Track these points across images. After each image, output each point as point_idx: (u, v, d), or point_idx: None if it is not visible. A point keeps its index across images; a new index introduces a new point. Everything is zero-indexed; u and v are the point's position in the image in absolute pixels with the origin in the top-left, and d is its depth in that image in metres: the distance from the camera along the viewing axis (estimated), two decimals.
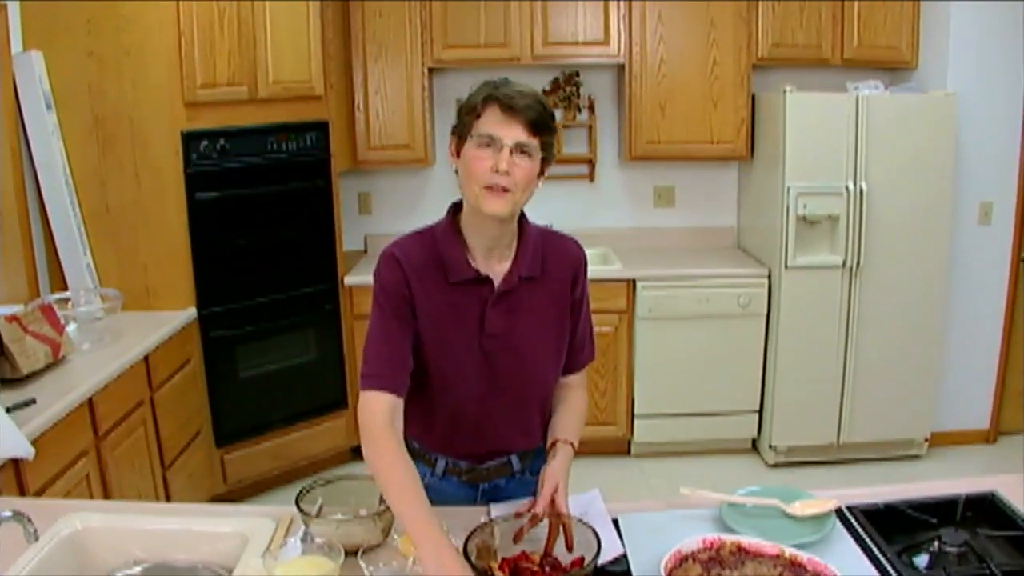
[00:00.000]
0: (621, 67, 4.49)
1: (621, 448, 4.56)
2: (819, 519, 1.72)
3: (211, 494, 3.85)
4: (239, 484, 3.98)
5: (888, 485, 3.93)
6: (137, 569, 1.72)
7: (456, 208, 1.78)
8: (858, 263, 4.07)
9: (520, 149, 1.62)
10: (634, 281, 4.28)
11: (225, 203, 3.70)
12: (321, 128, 4.03)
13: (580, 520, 1.64)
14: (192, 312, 3.67)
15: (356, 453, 4.48)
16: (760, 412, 4.43)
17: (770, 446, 4.33)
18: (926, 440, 4.37)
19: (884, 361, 4.19)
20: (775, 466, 4.36)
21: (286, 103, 3.86)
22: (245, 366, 3.91)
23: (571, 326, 1.86)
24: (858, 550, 1.65)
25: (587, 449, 4.67)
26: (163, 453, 3.35)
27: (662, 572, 1.48)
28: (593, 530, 1.59)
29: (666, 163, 4.72)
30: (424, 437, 1.89)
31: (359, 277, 4.25)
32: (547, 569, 1.57)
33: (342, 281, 4.22)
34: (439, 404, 1.82)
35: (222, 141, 3.64)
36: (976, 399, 4.51)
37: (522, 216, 1.82)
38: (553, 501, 1.65)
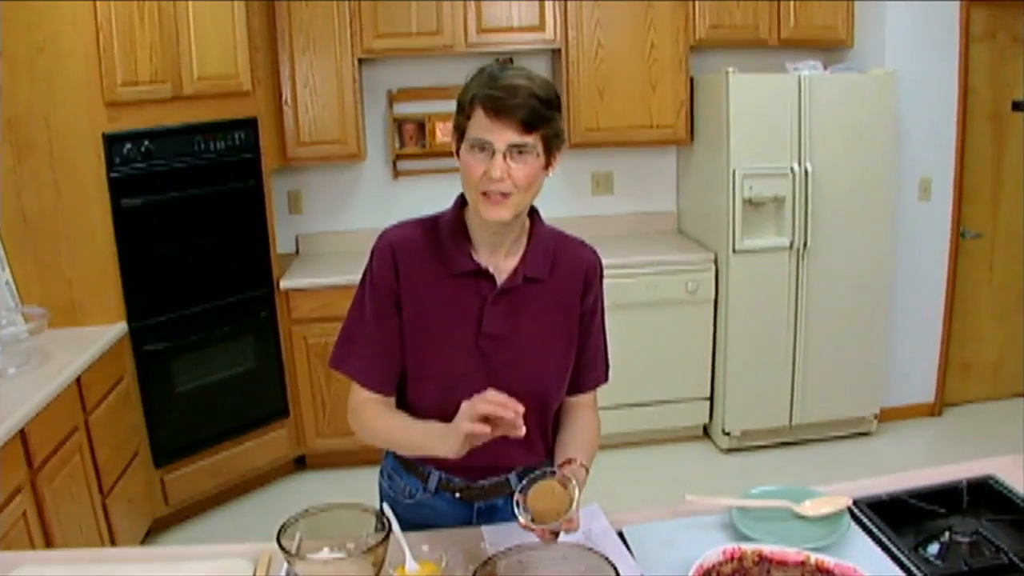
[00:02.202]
0: (557, 52, 4.40)
1: None
2: (832, 518, 1.65)
3: (153, 518, 3.64)
4: (182, 504, 3.77)
5: (843, 465, 4.03)
6: None
7: (463, 199, 1.66)
8: (805, 244, 4.06)
9: (516, 150, 1.50)
10: None
11: (153, 209, 3.48)
12: (250, 125, 3.83)
13: (590, 548, 1.48)
14: (123, 326, 3.44)
15: (300, 464, 4.31)
16: (711, 398, 4.41)
17: (723, 431, 4.31)
18: (876, 416, 4.41)
19: (833, 340, 4.20)
20: (729, 451, 4.34)
21: (213, 100, 3.65)
22: (181, 380, 3.70)
23: (580, 339, 1.74)
24: (875, 548, 1.59)
25: None
26: (101, 480, 3.14)
27: None
28: (607, 559, 1.45)
29: (604, 149, 4.65)
30: None
31: (294, 280, 4.07)
32: None
33: (277, 285, 4.03)
34: (431, 407, 1.67)
35: (147, 143, 3.41)
36: (921, 373, 4.58)
37: (534, 212, 1.71)
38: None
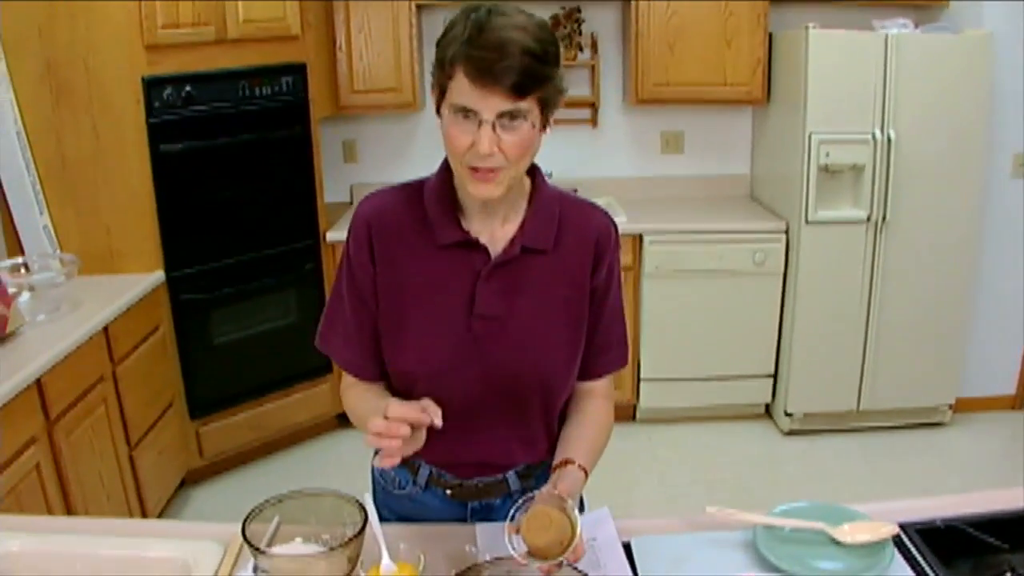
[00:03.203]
0: (627, 1, 4.12)
1: (626, 414, 4.30)
2: (872, 547, 1.43)
3: (187, 470, 3.59)
4: (217, 457, 3.72)
5: (911, 457, 3.76)
6: None
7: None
8: (883, 217, 3.75)
9: (507, 117, 1.27)
10: (640, 236, 3.97)
11: (192, 155, 3.37)
12: (298, 71, 3.67)
13: (571, 566, 1.31)
14: (160, 275, 3.37)
15: (343, 420, 4.21)
16: (775, 376, 4.16)
17: (785, 412, 4.07)
18: (950, 407, 4.10)
19: (909, 322, 3.90)
20: (790, 434, 4.11)
21: (259, 44, 3.50)
22: (220, 331, 3.62)
23: (591, 320, 1.51)
24: None
25: None
26: (128, 431, 3.08)
27: None
28: None
29: (675, 107, 4.38)
30: None
31: (342, 232, 3.91)
32: None
33: (323, 237, 3.90)
34: (417, 398, 1.47)
35: (188, 87, 3.29)
36: (1003, 364, 4.23)
37: (535, 171, 1.49)
38: None
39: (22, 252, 3.22)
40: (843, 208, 3.80)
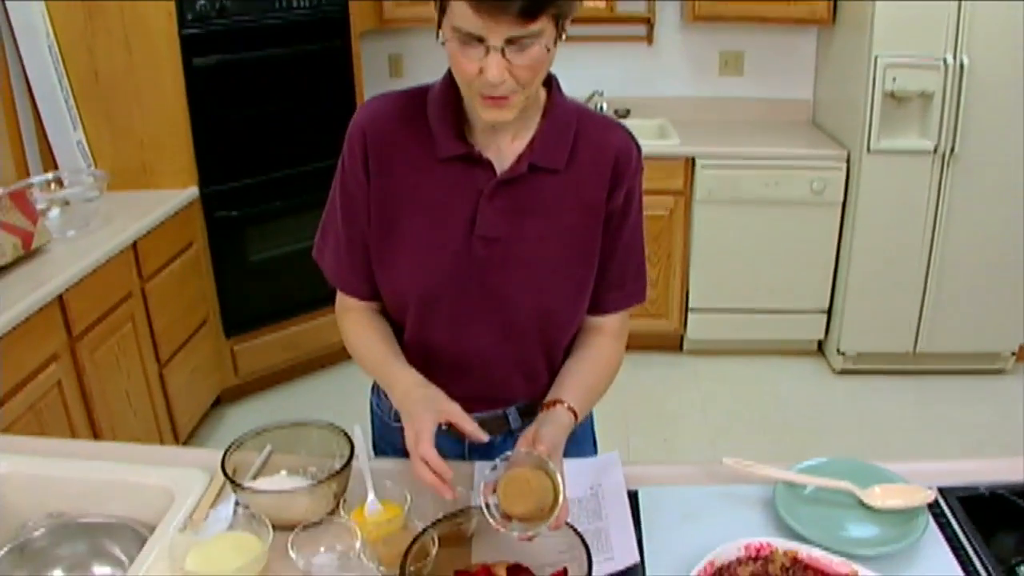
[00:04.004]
0: None
1: (673, 344, 4.18)
2: (904, 515, 1.30)
3: (221, 388, 3.59)
4: (253, 376, 3.70)
5: (968, 405, 3.57)
6: (38, 532, 1.39)
7: None
8: (952, 149, 3.50)
9: (517, 41, 1.12)
10: (693, 159, 3.80)
11: (227, 69, 3.27)
12: None
13: (575, 531, 1.20)
14: (193, 191, 3.31)
15: None
16: (829, 312, 3.98)
17: (838, 351, 3.90)
18: (1013, 354, 3.88)
19: (974, 262, 3.67)
20: (842, 373, 3.95)
21: None
22: (255, 249, 3.56)
23: (606, 248, 1.38)
24: (953, 562, 1.23)
25: (636, 343, 4.31)
26: (158, 349, 3.06)
27: None
28: (580, 537, 1.17)
29: (735, 25, 4.13)
30: None
31: None
32: None
33: None
34: (412, 324, 1.39)
35: None
36: None
37: (551, 80, 1.34)
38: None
39: (56, 168, 3.18)
40: (909, 138, 3.56)
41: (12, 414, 2.27)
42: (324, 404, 3.60)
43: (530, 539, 1.15)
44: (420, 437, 1.18)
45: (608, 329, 1.45)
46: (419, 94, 1.34)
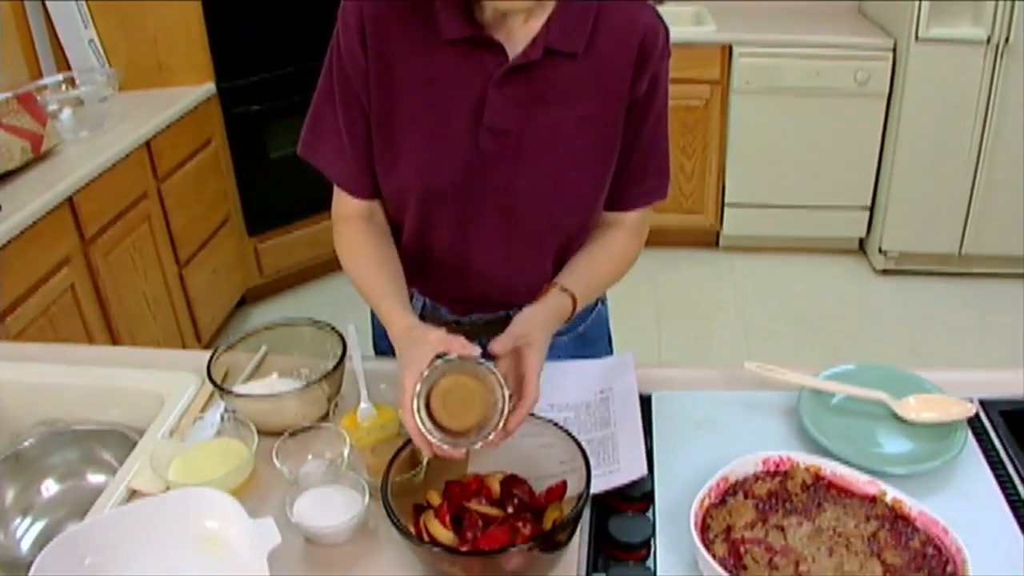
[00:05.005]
0: None
1: (708, 240, 4.06)
2: (941, 429, 1.20)
3: (245, 287, 3.55)
4: (278, 275, 3.66)
5: (1012, 311, 3.42)
6: (27, 443, 1.35)
7: None
8: (1006, 39, 3.27)
9: None
10: (731, 46, 3.61)
11: None
12: None
13: (553, 422, 1.10)
14: (210, 87, 3.21)
15: None
16: (871, 209, 3.83)
17: (880, 249, 3.76)
18: None
19: None
20: (884, 272, 3.82)
21: None
22: (276, 145, 3.45)
23: (627, 140, 1.25)
24: (992, 481, 1.13)
25: (671, 239, 4.15)
26: (177, 250, 3.00)
27: (693, 519, 1.01)
28: (579, 445, 1.06)
29: None
30: None
31: None
32: (509, 510, 1.05)
33: None
34: (411, 222, 1.29)
35: None
36: None
37: None
38: (521, 356, 1.10)
39: (68, 68, 3.09)
40: (960, 26, 3.34)
41: (25, 319, 2.23)
42: (354, 301, 3.53)
43: (465, 456, 1.05)
44: (402, 402, 1.04)
45: (627, 224, 1.34)
46: None
